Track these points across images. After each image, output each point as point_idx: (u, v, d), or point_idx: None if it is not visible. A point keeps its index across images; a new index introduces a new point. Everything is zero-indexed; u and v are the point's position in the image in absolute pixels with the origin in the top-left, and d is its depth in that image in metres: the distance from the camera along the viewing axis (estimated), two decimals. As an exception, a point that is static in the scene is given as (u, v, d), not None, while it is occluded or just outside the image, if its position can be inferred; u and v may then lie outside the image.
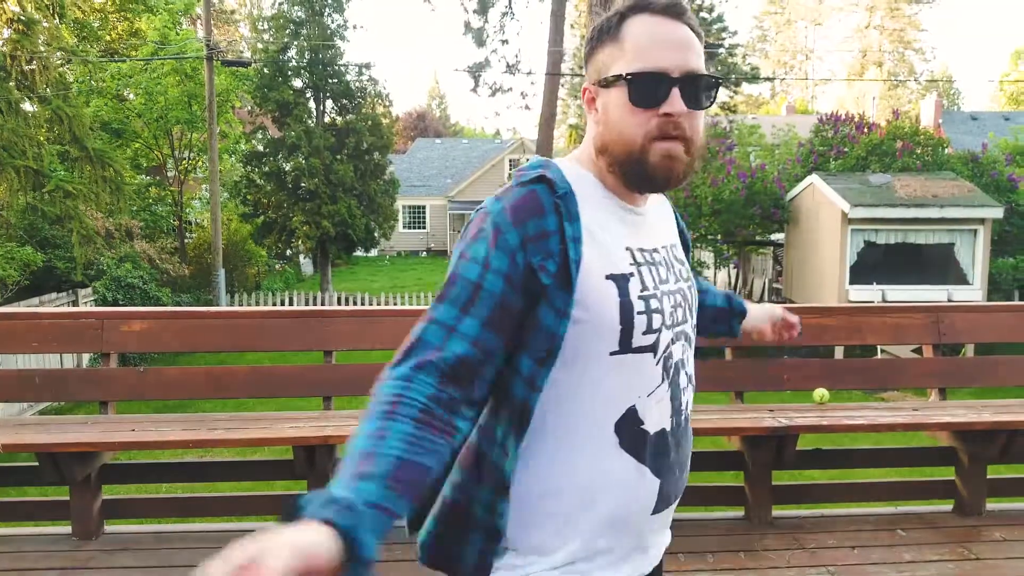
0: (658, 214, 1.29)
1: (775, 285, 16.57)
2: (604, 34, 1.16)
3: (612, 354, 1.12)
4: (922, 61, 53.98)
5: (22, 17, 12.28)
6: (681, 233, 1.38)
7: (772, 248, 16.87)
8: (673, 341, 1.19)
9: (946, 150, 14.86)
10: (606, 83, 1.15)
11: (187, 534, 3.25)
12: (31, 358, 8.87)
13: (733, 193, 13.41)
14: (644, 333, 1.14)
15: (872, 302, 11.37)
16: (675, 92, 1.10)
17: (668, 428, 1.18)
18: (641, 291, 1.14)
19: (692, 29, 1.15)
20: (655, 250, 1.21)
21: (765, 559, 2.99)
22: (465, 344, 1.06)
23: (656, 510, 1.18)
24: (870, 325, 3.45)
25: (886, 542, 3.13)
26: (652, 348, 1.15)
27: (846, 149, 14.57)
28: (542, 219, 1.10)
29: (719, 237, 14.87)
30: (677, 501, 1.24)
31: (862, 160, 14.18)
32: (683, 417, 1.22)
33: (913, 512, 3.46)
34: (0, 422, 3.42)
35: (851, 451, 3.94)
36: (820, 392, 3.36)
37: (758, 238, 15.68)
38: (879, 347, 9.61)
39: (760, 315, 1.73)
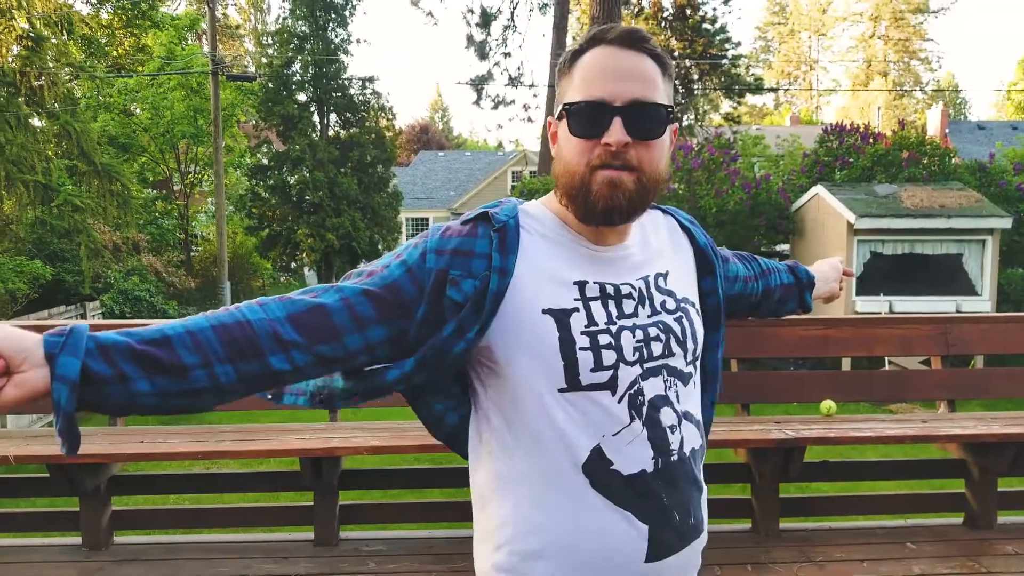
0: (646, 244, 1.24)
1: (781, 296, 16.48)
2: (563, 67, 1.16)
3: (561, 391, 1.10)
4: (928, 71, 54.01)
5: (31, 34, 12.42)
6: (699, 254, 1.32)
7: (778, 259, 16.82)
8: (644, 377, 1.13)
9: (953, 160, 14.85)
10: (559, 115, 1.15)
11: (196, 545, 3.25)
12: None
13: (737, 204, 13.41)
14: (593, 370, 1.10)
15: (879, 313, 11.35)
16: (616, 121, 1.07)
17: (649, 470, 1.12)
18: (586, 326, 1.11)
19: (653, 57, 1.12)
20: (623, 285, 1.16)
21: (773, 572, 2.98)
22: (335, 298, 1.08)
23: (652, 558, 1.12)
24: (878, 337, 3.44)
25: (896, 555, 3.11)
26: (608, 386, 1.11)
27: (851, 159, 14.57)
28: (472, 241, 1.12)
29: (724, 248, 14.83)
30: (690, 549, 1.17)
31: (868, 170, 14.17)
32: (674, 459, 1.14)
33: (923, 525, 3.44)
34: (10, 434, 3.44)
35: (859, 463, 3.92)
36: (827, 404, 3.36)
37: (763, 249, 15.66)
38: (887, 359, 9.59)
39: (827, 275, 1.72)
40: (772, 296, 1.59)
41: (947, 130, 27.16)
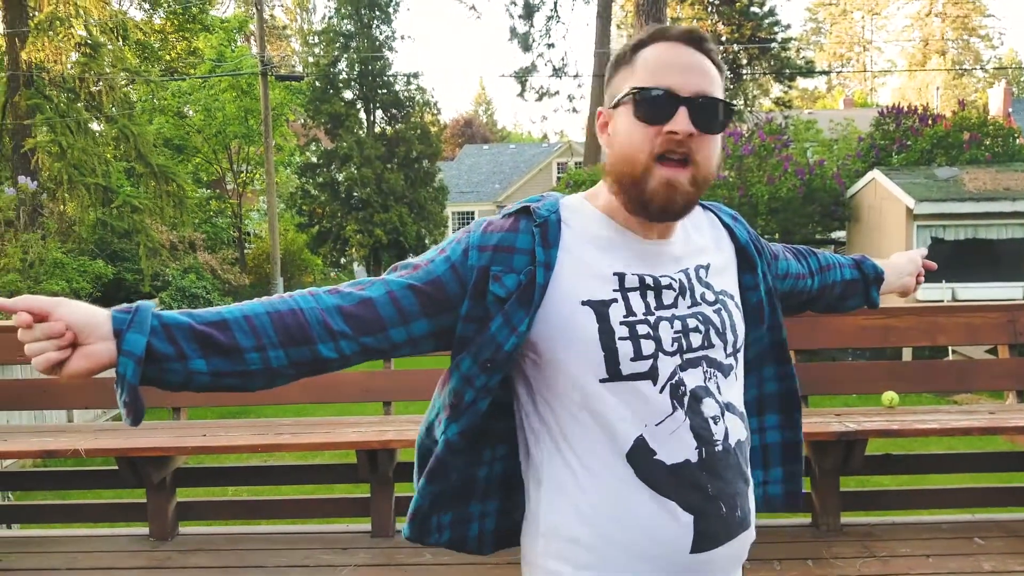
0: (689, 242, 1.24)
1: (836, 284, 16.15)
2: (620, 61, 1.18)
3: (602, 381, 1.11)
4: (988, 48, 52.14)
5: (89, 41, 12.78)
6: (740, 251, 1.31)
7: (833, 247, 16.49)
8: (683, 368, 1.13)
9: (1017, 140, 14.32)
10: (616, 104, 1.16)
11: (257, 536, 3.33)
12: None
13: (791, 191, 13.15)
14: (633, 360, 1.11)
15: (942, 301, 11.03)
16: (682, 110, 1.09)
17: (694, 460, 1.12)
18: (624, 316, 1.12)
19: (711, 59, 1.15)
20: (663, 276, 1.17)
21: (834, 567, 2.92)
22: (381, 291, 1.12)
23: (697, 549, 1.12)
24: (941, 325, 3.35)
25: (963, 551, 3.02)
26: (649, 375, 1.11)
27: (909, 142, 14.16)
28: (513, 236, 1.14)
29: (777, 236, 14.57)
30: (737, 542, 1.16)
31: (927, 153, 13.76)
32: (718, 449, 1.13)
33: (991, 520, 3.33)
34: (79, 428, 3.57)
35: (923, 456, 3.82)
36: (889, 395, 3.27)
37: (818, 236, 15.34)
38: (950, 348, 9.32)
39: (902, 268, 1.65)
40: (831, 292, 1.56)
41: (1010, 109, 26.16)
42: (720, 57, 1.18)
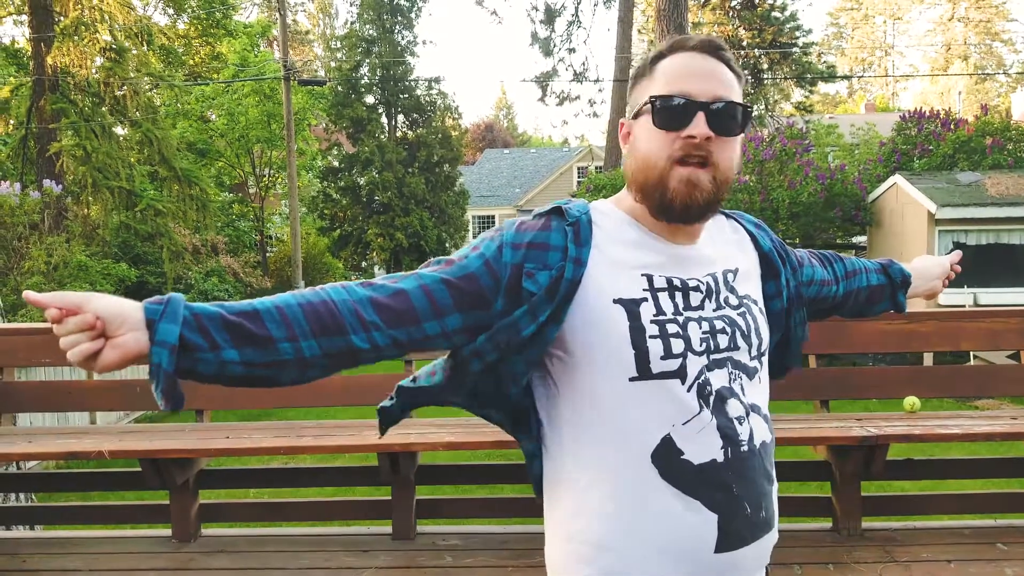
0: (714, 243, 1.26)
1: (857, 289, 16.02)
2: (640, 73, 1.22)
3: (632, 380, 1.12)
4: (1011, 52, 51.49)
5: (113, 46, 12.97)
6: (764, 258, 1.33)
7: (854, 251, 16.35)
8: (710, 368, 1.15)
9: (1040, 145, 14.13)
10: (636, 114, 1.20)
11: (279, 538, 3.36)
12: (126, 369, 9.22)
13: (812, 195, 13.06)
14: (663, 358, 1.12)
15: (964, 306, 10.91)
16: (700, 116, 1.12)
17: (720, 460, 1.13)
18: (655, 315, 1.14)
19: (729, 67, 1.18)
20: (690, 279, 1.19)
21: (855, 572, 2.91)
22: (415, 284, 1.13)
23: (721, 548, 1.13)
24: (963, 331, 3.32)
25: (986, 556, 2.99)
26: (678, 374, 1.13)
27: (931, 147, 14.02)
28: (546, 234, 1.16)
29: (798, 241, 14.48)
30: (760, 543, 1.18)
31: (949, 158, 13.62)
32: (743, 449, 1.15)
33: (1014, 525, 3.30)
34: (103, 430, 3.62)
35: (945, 461, 3.78)
36: (911, 400, 3.25)
37: (839, 241, 15.23)
38: (972, 353, 9.21)
39: (929, 272, 1.65)
40: (857, 298, 1.56)
41: (1034, 113, 25.81)
42: (739, 64, 1.20)
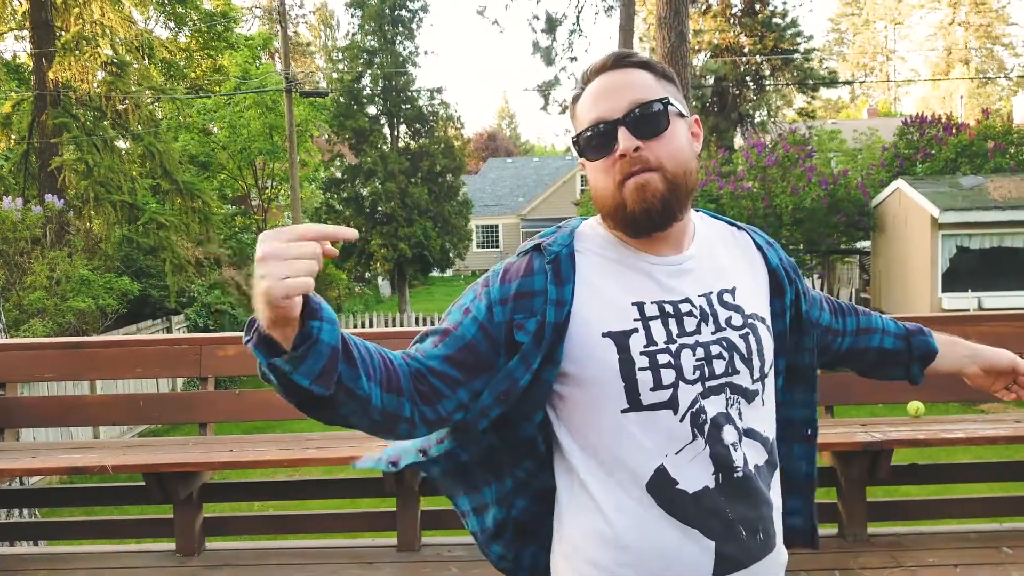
0: (712, 258, 1.23)
1: (863, 295, 16.04)
2: (571, 118, 1.25)
3: (624, 411, 1.13)
4: (1013, 56, 51.52)
5: (115, 60, 13.03)
6: (772, 273, 1.29)
7: (858, 257, 16.34)
8: (705, 395, 1.14)
9: (1042, 148, 14.12)
10: (580, 156, 1.22)
11: (283, 551, 3.35)
12: (129, 383, 9.20)
13: (815, 201, 13.06)
14: (652, 389, 1.12)
15: (967, 310, 10.89)
16: (621, 131, 1.13)
17: (711, 486, 1.13)
18: (645, 346, 1.13)
19: (641, 67, 1.19)
20: (683, 301, 1.17)
21: (862, 578, 2.89)
22: (433, 362, 1.14)
23: (719, 573, 1.13)
24: (966, 335, 3.25)
25: (992, 560, 2.98)
26: (669, 405, 1.12)
27: (933, 152, 14.03)
28: (530, 280, 1.17)
29: (801, 247, 14.48)
30: (761, 565, 1.17)
31: (951, 162, 13.63)
32: (737, 474, 1.14)
33: (1019, 529, 3.28)
34: (107, 444, 3.62)
35: (950, 466, 3.77)
36: (915, 405, 3.24)
37: (843, 247, 15.22)
38: (976, 357, 9.15)
39: (974, 361, 1.48)
40: (864, 357, 1.47)
41: (1036, 116, 25.78)
42: (653, 60, 1.21)
